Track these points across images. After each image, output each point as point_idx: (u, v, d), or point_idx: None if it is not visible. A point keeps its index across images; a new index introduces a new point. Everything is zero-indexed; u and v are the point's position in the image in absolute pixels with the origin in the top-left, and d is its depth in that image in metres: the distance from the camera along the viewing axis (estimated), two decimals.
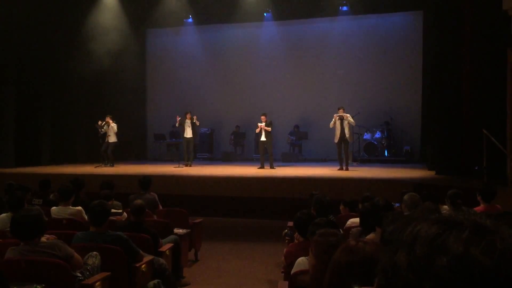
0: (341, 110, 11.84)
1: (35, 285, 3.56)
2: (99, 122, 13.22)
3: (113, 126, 13.23)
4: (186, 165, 13.17)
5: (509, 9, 8.68)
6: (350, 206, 6.43)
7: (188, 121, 13.36)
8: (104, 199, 5.82)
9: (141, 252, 4.63)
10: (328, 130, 12.59)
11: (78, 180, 7.37)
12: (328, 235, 2.24)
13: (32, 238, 3.84)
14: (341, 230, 4.57)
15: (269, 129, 12.39)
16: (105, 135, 13.26)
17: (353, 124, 12.03)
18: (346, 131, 11.80)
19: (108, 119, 13.23)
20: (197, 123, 13.49)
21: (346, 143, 11.88)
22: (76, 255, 4.00)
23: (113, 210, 6.08)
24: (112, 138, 13.26)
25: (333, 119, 11.83)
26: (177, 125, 13.52)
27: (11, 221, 3.97)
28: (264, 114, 12.59)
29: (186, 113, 13.43)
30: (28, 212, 3.89)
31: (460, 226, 0.68)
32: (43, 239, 4.01)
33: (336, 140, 11.88)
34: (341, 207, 6.56)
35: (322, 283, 1.83)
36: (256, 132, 12.70)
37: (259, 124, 12.49)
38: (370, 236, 3.83)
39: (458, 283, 0.64)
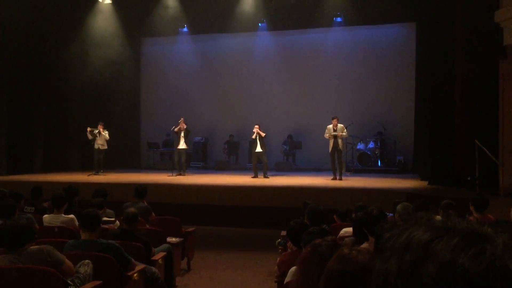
0: (335, 120, 11.88)
1: None
2: (89, 129, 13.18)
3: (105, 134, 13.20)
4: (180, 175, 13.10)
5: (500, 21, 8.79)
6: (342, 216, 6.43)
7: (181, 132, 13.15)
8: (97, 207, 5.80)
9: (133, 260, 4.60)
10: (321, 140, 12.63)
11: (71, 188, 7.34)
12: (320, 245, 2.23)
13: (19, 247, 3.80)
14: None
15: (263, 134, 12.41)
16: (94, 141, 13.20)
17: (346, 136, 12.07)
18: (339, 141, 11.85)
19: (100, 127, 13.20)
20: (184, 127, 13.23)
21: (339, 153, 11.91)
22: (67, 261, 3.97)
23: (105, 219, 6.05)
24: (104, 146, 13.25)
25: (327, 132, 11.87)
26: (176, 129, 13.25)
27: None
28: (257, 125, 12.62)
29: (180, 121, 13.23)
30: (16, 221, 3.86)
31: (452, 233, 0.67)
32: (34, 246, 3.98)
33: (330, 150, 11.93)
34: (335, 217, 6.56)
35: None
36: (253, 138, 12.66)
37: (256, 127, 12.47)
38: (364, 245, 3.83)
39: None
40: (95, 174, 13.02)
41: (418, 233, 0.69)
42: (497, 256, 0.63)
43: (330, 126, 11.91)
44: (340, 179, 11.79)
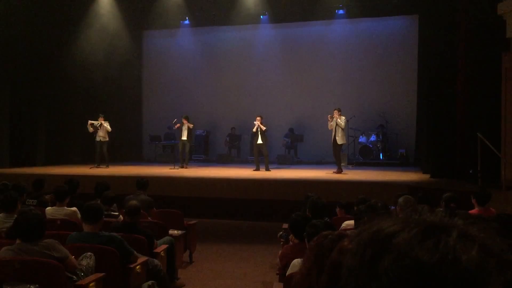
0: (335, 111, 11.81)
1: (28, 286, 3.54)
2: (90, 122, 13.17)
3: (106, 125, 13.20)
4: (182, 167, 13.17)
5: (503, 13, 8.75)
6: (346, 208, 6.44)
7: (185, 125, 13.41)
8: (105, 202, 5.84)
9: (135, 252, 4.62)
10: (323, 133, 12.63)
11: (73, 181, 7.35)
12: (326, 237, 2.23)
13: (35, 239, 3.84)
14: None
15: (264, 128, 12.41)
16: (95, 134, 13.21)
17: (341, 127, 11.80)
18: (338, 133, 11.76)
19: (101, 119, 13.20)
20: (191, 126, 13.48)
21: (336, 146, 11.83)
22: (70, 256, 3.99)
23: (111, 213, 6.08)
24: (105, 138, 13.25)
25: (329, 120, 11.85)
26: (175, 128, 13.47)
27: (14, 222, 3.97)
28: (259, 116, 12.60)
29: (183, 117, 13.44)
30: (32, 213, 3.88)
31: (413, 225, 0.66)
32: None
33: (332, 141, 11.90)
34: (338, 209, 6.57)
35: (314, 283, 1.83)
36: (254, 131, 12.67)
37: (257, 119, 12.46)
38: None
39: (400, 283, 0.62)
40: (97, 167, 13.04)
41: (381, 227, 0.68)
42: (450, 247, 0.62)
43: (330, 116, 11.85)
44: (337, 172, 11.72)
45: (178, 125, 13.40)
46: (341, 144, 11.99)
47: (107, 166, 13.15)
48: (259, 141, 12.47)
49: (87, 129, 13.32)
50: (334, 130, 11.79)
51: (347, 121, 12.37)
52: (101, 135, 13.21)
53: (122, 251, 4.43)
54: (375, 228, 0.69)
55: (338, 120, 11.65)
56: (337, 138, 11.74)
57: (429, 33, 12.04)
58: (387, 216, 0.71)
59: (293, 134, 15.58)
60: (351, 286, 0.67)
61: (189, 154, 13.81)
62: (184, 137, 13.39)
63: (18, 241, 3.91)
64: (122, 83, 15.70)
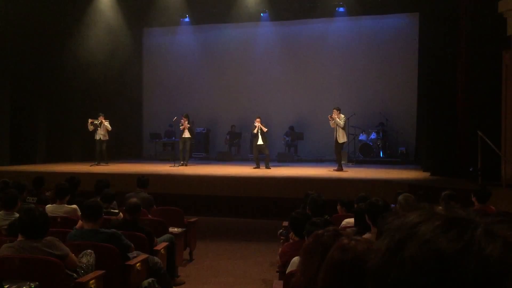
0: (334, 111, 11.82)
1: (28, 283, 3.55)
2: (90, 120, 13.17)
3: (106, 124, 13.20)
4: (182, 165, 13.17)
5: (504, 11, 8.73)
6: (347, 206, 6.43)
7: (185, 123, 13.36)
8: (105, 200, 5.84)
9: (132, 246, 4.63)
10: (323, 131, 12.65)
11: (74, 179, 7.35)
12: (322, 235, 2.23)
13: (40, 237, 3.84)
14: None
15: (265, 129, 12.42)
16: (95, 132, 13.21)
17: (340, 126, 11.77)
18: (338, 132, 11.77)
19: (101, 118, 13.20)
20: (186, 127, 13.49)
21: (336, 145, 11.85)
22: (71, 254, 3.99)
23: (111, 210, 6.08)
24: (106, 136, 13.26)
25: (329, 119, 11.87)
26: (181, 127, 13.43)
27: (19, 219, 3.97)
28: (259, 117, 12.61)
29: (184, 116, 13.43)
30: (39, 211, 3.89)
31: (438, 216, 0.68)
32: None
33: (335, 139, 11.93)
34: (338, 207, 6.56)
35: (312, 280, 1.84)
36: (254, 132, 12.67)
37: (257, 120, 12.47)
38: (366, 235, 3.84)
39: (421, 270, 0.64)
40: (97, 165, 13.05)
41: (411, 217, 0.71)
42: (475, 240, 0.64)
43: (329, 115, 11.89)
44: (337, 170, 11.74)
45: (184, 125, 13.33)
46: (342, 143, 12.00)
47: (107, 163, 13.14)
48: (260, 142, 12.47)
49: (87, 127, 13.31)
50: (335, 129, 11.80)
51: (347, 119, 12.34)
52: (101, 134, 13.21)
53: (121, 246, 4.45)
54: (403, 218, 0.72)
55: (337, 119, 11.65)
56: (337, 137, 11.75)
57: (430, 31, 12.02)
58: (415, 209, 0.74)
59: (293, 132, 15.57)
60: (375, 270, 0.69)
61: (189, 152, 13.82)
62: (185, 135, 13.40)
63: (19, 238, 3.92)
64: (122, 80, 15.70)
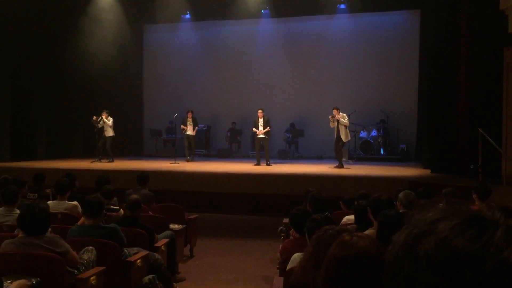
0: (335, 111, 11.83)
1: (29, 279, 3.55)
2: (94, 118, 13.18)
3: (108, 121, 13.20)
4: (187, 161, 13.38)
5: (506, 8, 8.71)
6: (347, 203, 6.44)
7: (189, 119, 13.64)
8: (105, 196, 5.84)
9: (125, 240, 4.63)
10: (324, 128, 12.64)
11: (70, 175, 7.34)
12: (326, 232, 2.24)
13: (41, 233, 3.84)
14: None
15: (268, 129, 12.43)
16: (101, 130, 13.24)
17: (346, 125, 11.88)
18: (341, 131, 11.79)
19: (104, 115, 13.21)
20: (186, 129, 13.67)
21: (339, 142, 11.87)
22: (72, 250, 3.99)
23: (111, 207, 6.08)
24: (109, 133, 13.24)
25: (330, 120, 11.89)
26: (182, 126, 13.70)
27: (19, 215, 3.97)
28: (261, 109, 12.61)
29: (188, 112, 13.72)
30: (39, 207, 3.89)
31: (458, 214, 0.68)
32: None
33: (334, 139, 11.96)
34: (342, 204, 6.56)
35: (312, 274, 1.84)
36: (255, 132, 12.71)
37: (259, 111, 12.51)
38: (368, 231, 3.85)
39: (437, 267, 0.63)
40: (98, 161, 13.06)
41: (432, 213, 0.71)
42: (493, 241, 0.63)
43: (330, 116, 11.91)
44: (338, 167, 11.75)
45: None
46: (345, 142, 12.03)
47: (112, 160, 13.16)
48: (261, 135, 12.47)
49: (88, 123, 13.35)
50: (336, 128, 11.80)
51: (348, 116, 12.31)
52: (105, 130, 13.22)
53: (118, 240, 4.46)
54: (424, 214, 0.71)
55: (341, 119, 11.66)
56: (341, 136, 11.76)
57: (431, 28, 12.00)
58: (433, 207, 0.74)
59: (294, 129, 15.57)
60: (391, 261, 0.69)
61: (193, 149, 13.99)
62: (188, 132, 13.60)
63: (20, 234, 3.92)
64: (123, 77, 15.68)
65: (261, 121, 12.50)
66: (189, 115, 13.68)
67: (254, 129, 12.70)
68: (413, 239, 0.67)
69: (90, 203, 4.56)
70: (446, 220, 0.67)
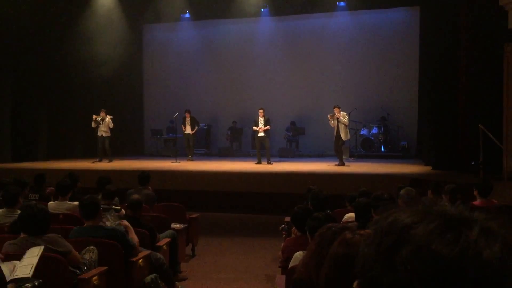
0: (336, 109, 11.83)
1: (32, 280, 3.55)
2: (95, 117, 13.17)
3: (108, 120, 13.20)
4: (188, 160, 13.44)
5: (505, 4, 8.69)
6: (349, 201, 6.43)
7: (188, 119, 13.67)
8: (107, 196, 5.84)
9: (136, 246, 4.63)
10: (325, 126, 12.64)
11: (72, 176, 7.35)
12: (329, 229, 2.24)
13: (39, 233, 3.84)
14: None
15: (268, 127, 12.43)
16: (97, 129, 13.23)
17: (345, 123, 11.82)
18: (341, 129, 11.78)
19: (103, 114, 13.21)
20: (187, 131, 13.72)
21: (339, 140, 11.85)
22: (73, 250, 4.00)
23: (113, 207, 6.08)
24: (107, 133, 13.25)
25: (329, 119, 11.88)
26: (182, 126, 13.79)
27: (19, 216, 3.98)
28: (261, 109, 12.61)
29: (185, 111, 13.74)
30: (37, 208, 3.89)
31: (433, 217, 0.65)
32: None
33: (334, 138, 11.95)
34: (347, 202, 6.54)
35: (314, 272, 1.84)
36: (257, 131, 12.70)
37: (259, 111, 12.49)
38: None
39: (417, 275, 0.60)
40: (99, 161, 13.07)
41: (400, 217, 0.67)
42: (471, 242, 0.61)
43: (330, 115, 11.91)
44: (340, 165, 11.74)
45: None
46: (344, 140, 12.03)
47: (110, 160, 13.17)
48: (261, 133, 12.46)
49: (90, 124, 13.32)
50: (336, 127, 11.80)
51: (348, 114, 12.31)
52: (103, 130, 13.21)
53: (124, 244, 4.44)
54: (392, 218, 0.68)
55: (341, 118, 11.66)
56: (341, 134, 11.75)
57: (431, 25, 11.98)
58: (405, 207, 0.70)
59: (295, 127, 15.56)
60: (366, 275, 0.66)
61: (193, 147, 14.03)
62: (187, 131, 13.62)
63: (22, 235, 3.92)
64: (123, 77, 15.69)
65: (261, 120, 12.49)
66: (187, 115, 13.75)
67: (254, 127, 12.69)
68: (387, 248, 0.64)
69: (84, 205, 4.55)
70: (421, 225, 0.64)
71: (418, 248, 0.62)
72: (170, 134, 15.69)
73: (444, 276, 0.60)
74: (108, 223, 4.66)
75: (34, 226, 3.84)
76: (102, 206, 5.51)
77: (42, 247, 3.55)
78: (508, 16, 8.73)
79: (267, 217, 9.28)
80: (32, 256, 3.45)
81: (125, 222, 4.80)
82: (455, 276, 0.59)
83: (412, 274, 0.61)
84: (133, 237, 4.69)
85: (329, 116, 11.90)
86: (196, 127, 13.92)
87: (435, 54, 11.32)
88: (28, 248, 3.77)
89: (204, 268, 6.52)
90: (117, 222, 4.77)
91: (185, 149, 14.07)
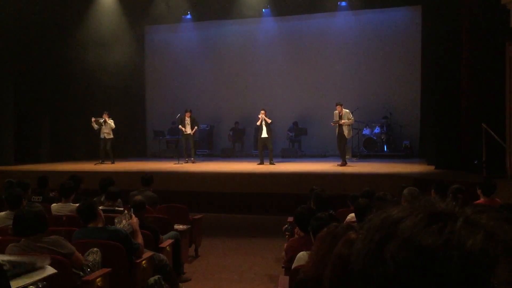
0: (338, 107, 11.81)
1: (35, 282, 3.56)
2: (94, 119, 13.17)
3: (110, 122, 13.22)
4: (187, 162, 13.18)
5: (507, 2, 8.67)
6: (351, 201, 6.42)
7: (187, 119, 13.40)
8: (110, 198, 5.84)
9: (140, 247, 4.63)
10: (327, 126, 12.62)
11: (76, 177, 7.36)
12: (337, 227, 2.24)
13: (33, 234, 3.84)
14: None
15: (269, 120, 12.40)
16: (99, 131, 13.23)
17: (351, 123, 11.90)
18: (344, 128, 11.77)
19: (105, 116, 13.22)
20: (186, 131, 13.50)
21: (342, 139, 11.85)
22: (77, 252, 4.00)
23: (116, 208, 6.08)
24: (110, 135, 13.26)
25: (334, 120, 11.85)
26: (180, 127, 13.49)
27: (13, 218, 3.98)
28: (263, 110, 12.60)
29: (186, 111, 13.43)
30: (30, 209, 3.89)
31: (418, 212, 0.67)
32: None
33: (336, 137, 11.93)
34: (349, 203, 6.54)
35: (320, 271, 1.83)
36: (258, 124, 12.65)
37: (262, 112, 12.45)
38: None
39: (405, 267, 0.62)
40: (101, 163, 13.08)
41: (390, 214, 0.69)
42: (454, 232, 0.63)
43: (336, 112, 11.86)
44: (343, 164, 11.74)
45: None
46: (348, 138, 12.02)
47: (113, 162, 13.17)
48: (264, 134, 12.45)
49: (91, 125, 13.33)
50: (338, 125, 11.79)
51: (351, 113, 12.27)
52: (105, 132, 13.22)
53: (127, 246, 4.45)
54: (384, 215, 0.70)
55: (346, 121, 11.65)
56: (344, 132, 11.74)
57: (432, 24, 11.96)
58: (396, 204, 0.72)
59: (297, 127, 15.55)
60: (358, 270, 0.68)
61: (194, 149, 13.73)
62: (186, 131, 13.36)
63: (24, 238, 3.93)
64: (125, 78, 15.69)
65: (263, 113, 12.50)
66: (187, 114, 13.37)
67: (259, 115, 12.57)
68: (377, 242, 0.66)
69: (80, 211, 4.56)
70: (407, 220, 0.66)
71: (405, 240, 0.64)
72: (172, 136, 15.68)
73: (431, 267, 0.61)
74: (119, 226, 4.66)
75: (26, 228, 3.84)
76: (105, 208, 5.53)
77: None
78: (510, 15, 8.71)
79: (270, 217, 9.28)
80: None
81: (135, 225, 4.79)
82: (440, 265, 0.61)
83: (400, 267, 0.63)
84: (139, 238, 4.69)
85: (332, 123, 11.91)
86: (196, 128, 13.56)
87: (437, 53, 11.30)
88: (31, 251, 3.78)
89: (207, 269, 6.52)
90: (128, 223, 4.78)
91: (184, 151, 13.59)
